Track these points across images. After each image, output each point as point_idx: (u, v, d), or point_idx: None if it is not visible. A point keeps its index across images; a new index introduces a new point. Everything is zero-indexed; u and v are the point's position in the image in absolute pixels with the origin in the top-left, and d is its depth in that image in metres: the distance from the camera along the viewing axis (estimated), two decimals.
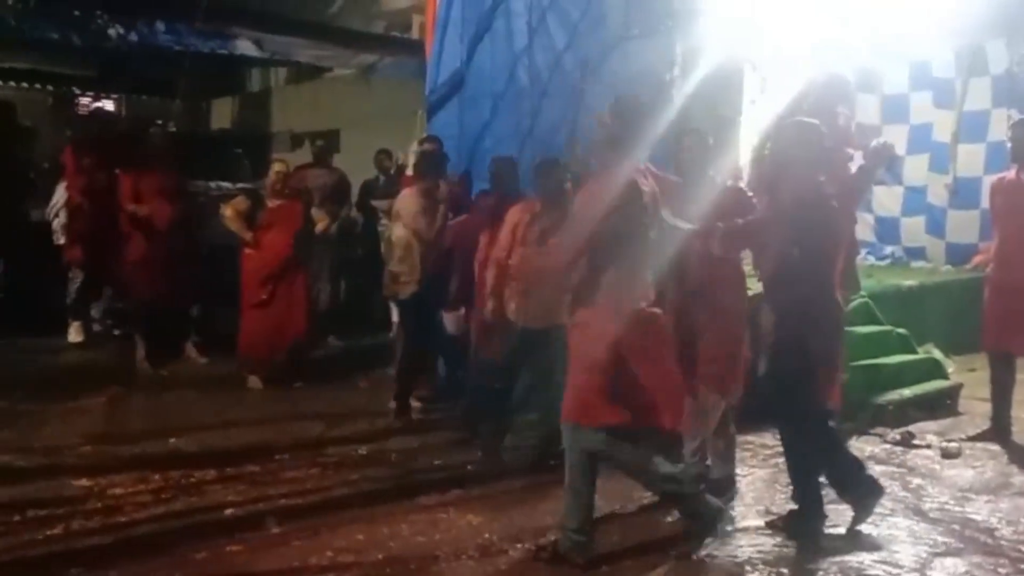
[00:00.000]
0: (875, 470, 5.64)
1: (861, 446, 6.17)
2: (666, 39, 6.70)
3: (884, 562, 4.35)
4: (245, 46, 9.68)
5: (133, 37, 8.95)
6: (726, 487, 5.14)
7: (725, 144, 6.56)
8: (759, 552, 4.44)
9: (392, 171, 9.41)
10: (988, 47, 9.96)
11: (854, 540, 4.59)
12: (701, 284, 4.92)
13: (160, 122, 13.21)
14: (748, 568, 4.28)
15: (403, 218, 6.60)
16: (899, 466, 5.82)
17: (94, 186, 8.20)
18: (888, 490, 5.29)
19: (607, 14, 7.09)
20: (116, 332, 8.67)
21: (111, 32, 8.73)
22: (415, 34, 11.79)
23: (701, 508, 4.36)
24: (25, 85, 13.44)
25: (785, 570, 4.28)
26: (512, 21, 7.82)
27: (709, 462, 5.12)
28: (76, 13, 8.35)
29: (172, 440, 6.03)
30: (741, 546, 4.51)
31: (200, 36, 9.23)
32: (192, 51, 9.37)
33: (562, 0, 7.37)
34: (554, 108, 7.44)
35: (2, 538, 4.44)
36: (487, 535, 4.57)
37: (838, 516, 4.73)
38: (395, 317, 7.97)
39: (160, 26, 9.04)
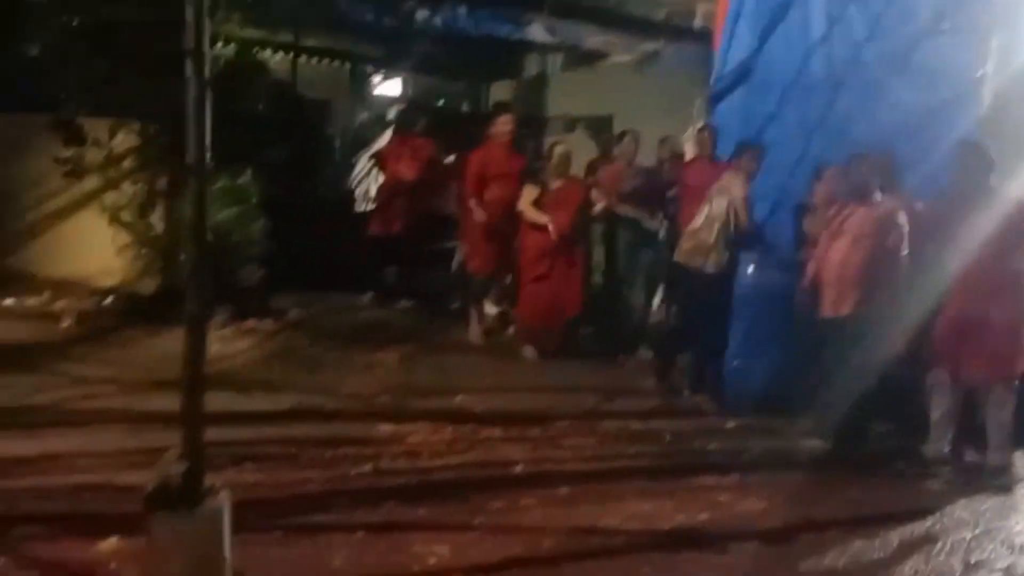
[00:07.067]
0: None
1: None
2: (981, 34, 6.35)
3: None
4: (537, 32, 10.05)
5: (437, 21, 9.54)
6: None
7: None
8: None
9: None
10: None
11: None
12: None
13: (442, 102, 13.95)
14: None
15: (732, 193, 6.79)
16: None
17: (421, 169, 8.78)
18: None
19: (916, 6, 6.81)
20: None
21: (418, 16, 9.35)
22: (698, 22, 11.76)
23: None
24: (327, 61, 14.44)
25: None
26: (810, 11, 7.64)
27: None
28: None
29: (459, 398, 6.45)
30: None
31: (497, 21, 9.69)
32: (487, 36, 9.84)
33: None
34: (850, 101, 7.24)
35: (323, 470, 4.93)
36: (769, 523, 4.61)
37: None
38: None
39: (462, 11, 9.58)
